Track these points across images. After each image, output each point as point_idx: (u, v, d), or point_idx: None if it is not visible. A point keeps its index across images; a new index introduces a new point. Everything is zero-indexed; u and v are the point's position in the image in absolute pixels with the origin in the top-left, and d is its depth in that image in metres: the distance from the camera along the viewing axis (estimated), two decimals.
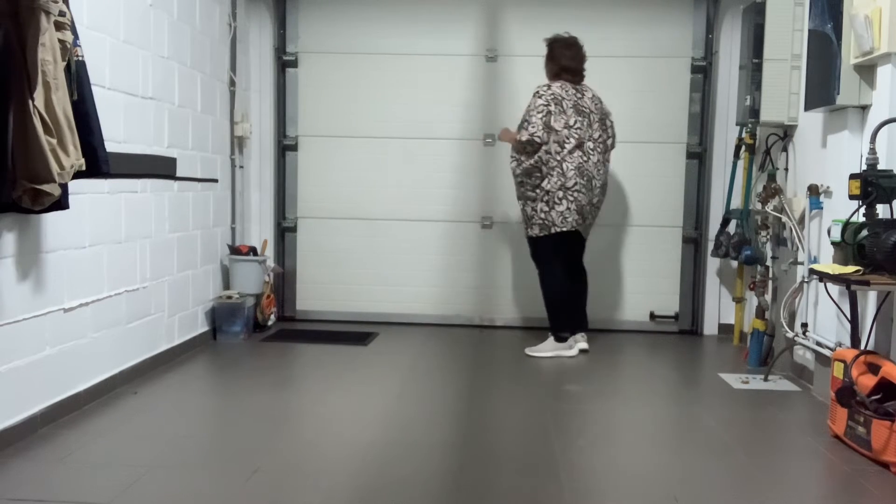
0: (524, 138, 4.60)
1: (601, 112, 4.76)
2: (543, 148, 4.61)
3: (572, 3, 5.53)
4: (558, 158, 4.59)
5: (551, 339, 4.84)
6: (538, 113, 4.60)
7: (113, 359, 3.74)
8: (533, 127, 4.59)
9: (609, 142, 4.81)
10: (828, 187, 3.97)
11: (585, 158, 4.63)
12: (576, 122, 4.63)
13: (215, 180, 4.99)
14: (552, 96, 4.62)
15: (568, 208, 4.61)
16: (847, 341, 3.54)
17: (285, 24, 5.67)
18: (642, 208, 5.62)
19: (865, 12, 3.43)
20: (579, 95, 4.71)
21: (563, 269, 4.81)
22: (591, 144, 4.67)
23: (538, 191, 4.66)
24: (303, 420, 3.55)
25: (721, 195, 5.36)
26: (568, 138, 4.61)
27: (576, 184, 4.60)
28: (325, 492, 2.64)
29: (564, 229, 4.64)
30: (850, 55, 3.62)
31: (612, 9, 5.52)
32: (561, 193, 4.60)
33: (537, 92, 4.67)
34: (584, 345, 4.87)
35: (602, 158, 4.73)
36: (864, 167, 3.37)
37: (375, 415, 3.51)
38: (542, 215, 4.66)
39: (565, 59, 4.75)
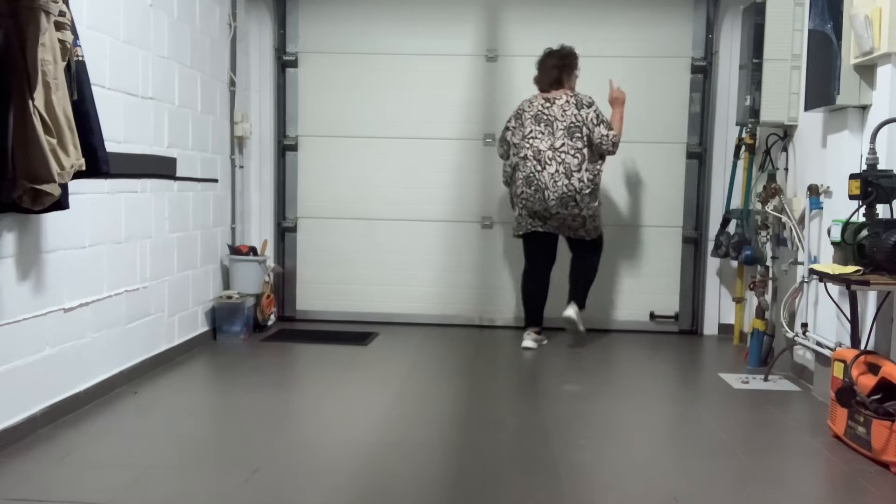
0: None
1: (572, 119, 4.67)
2: (507, 161, 4.94)
3: (572, 3, 5.53)
4: (515, 167, 4.84)
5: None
6: (503, 128, 5.00)
7: (113, 359, 3.74)
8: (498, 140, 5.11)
9: (585, 151, 4.66)
10: (828, 187, 3.97)
11: (539, 168, 4.68)
12: (531, 131, 4.73)
13: (215, 180, 4.99)
14: (516, 111, 4.92)
15: (521, 214, 4.85)
16: (847, 341, 3.54)
17: (285, 24, 5.67)
18: (642, 208, 5.62)
19: (865, 12, 3.43)
20: (547, 105, 4.76)
21: (531, 267, 5.04)
22: (549, 154, 4.66)
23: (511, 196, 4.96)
24: (303, 420, 3.55)
25: (721, 195, 5.36)
26: (520, 149, 4.78)
27: (523, 192, 4.77)
28: (325, 492, 2.64)
29: (526, 231, 4.89)
30: (850, 55, 3.62)
31: (612, 9, 5.52)
32: (515, 200, 4.86)
33: None
34: (569, 312, 4.85)
35: (564, 169, 4.63)
36: (864, 167, 3.37)
37: (375, 415, 3.51)
38: (515, 218, 4.98)
39: (539, 71, 4.92)
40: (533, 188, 4.69)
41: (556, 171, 4.63)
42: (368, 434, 3.23)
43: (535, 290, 5.01)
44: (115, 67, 3.68)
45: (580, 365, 4.65)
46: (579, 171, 4.66)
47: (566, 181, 4.63)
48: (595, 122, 4.70)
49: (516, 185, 4.80)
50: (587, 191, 4.69)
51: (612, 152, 4.78)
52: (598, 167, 4.80)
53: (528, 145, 4.72)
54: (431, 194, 5.68)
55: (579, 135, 4.67)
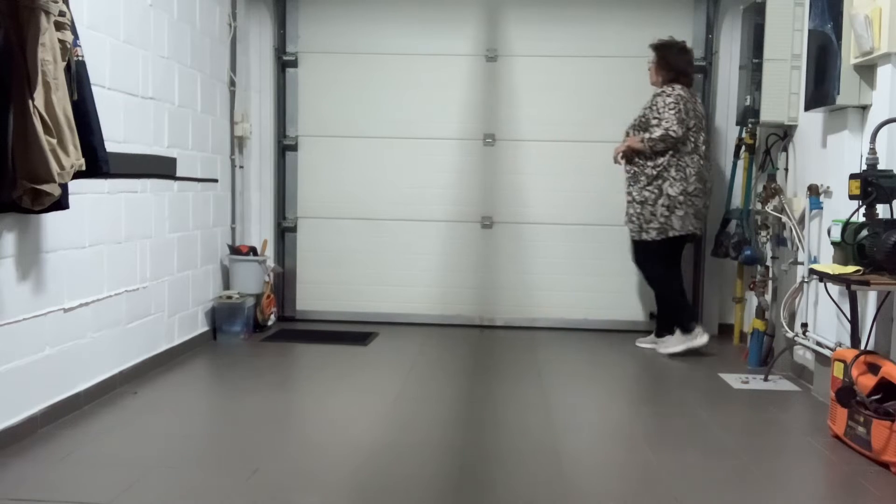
0: (657, 135, 4.63)
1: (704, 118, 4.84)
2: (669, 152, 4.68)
3: (572, 3, 5.53)
4: (682, 162, 4.68)
5: (678, 333, 4.86)
6: (670, 109, 4.64)
7: (113, 359, 3.74)
8: (667, 122, 4.63)
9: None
10: (828, 187, 3.97)
11: (703, 163, 4.73)
12: (695, 125, 4.73)
13: (215, 180, 4.99)
14: (679, 96, 4.69)
15: (686, 213, 4.69)
16: (847, 341, 3.54)
17: (285, 24, 5.67)
18: None
19: (865, 12, 3.43)
20: (694, 101, 4.79)
21: (674, 270, 4.93)
22: (703, 149, 4.75)
23: (661, 194, 4.69)
24: (303, 420, 3.55)
25: (721, 195, 5.36)
26: (687, 141, 4.70)
27: (695, 189, 4.70)
28: (326, 492, 2.64)
29: (683, 233, 4.73)
30: (850, 55, 3.62)
31: (612, 9, 5.52)
32: (682, 198, 4.67)
33: (664, 91, 4.72)
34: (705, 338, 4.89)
35: (708, 164, 4.82)
36: (864, 167, 3.37)
37: (375, 415, 3.51)
38: (662, 220, 4.71)
39: (683, 64, 4.83)
40: (704, 183, 4.75)
41: (707, 165, 4.78)
42: (368, 434, 3.23)
43: (684, 290, 5.00)
44: (115, 67, 3.68)
45: (581, 365, 4.65)
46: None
47: (708, 173, 4.83)
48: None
49: (688, 182, 4.66)
50: None
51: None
52: None
53: (692, 139, 4.71)
54: (431, 194, 5.68)
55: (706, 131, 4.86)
